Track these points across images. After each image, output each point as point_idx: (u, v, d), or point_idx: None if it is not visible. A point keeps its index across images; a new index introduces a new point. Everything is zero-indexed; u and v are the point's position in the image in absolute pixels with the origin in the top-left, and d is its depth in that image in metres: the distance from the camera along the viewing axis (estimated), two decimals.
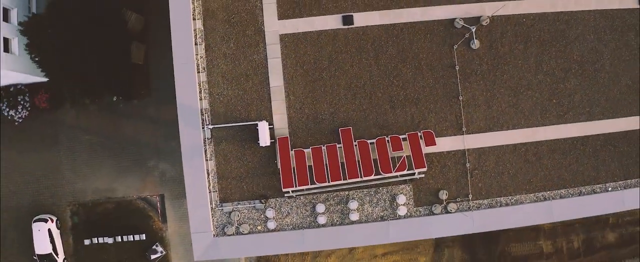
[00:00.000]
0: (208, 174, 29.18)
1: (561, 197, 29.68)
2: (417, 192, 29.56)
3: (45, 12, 37.08)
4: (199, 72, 29.35)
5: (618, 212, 42.47)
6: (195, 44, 29.26)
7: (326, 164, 28.28)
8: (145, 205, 40.36)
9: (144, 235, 39.81)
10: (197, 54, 29.29)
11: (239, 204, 29.36)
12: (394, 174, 28.30)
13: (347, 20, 29.65)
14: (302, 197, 29.37)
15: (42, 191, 40.90)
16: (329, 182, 28.14)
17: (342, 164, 28.31)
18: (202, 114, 29.33)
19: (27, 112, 40.12)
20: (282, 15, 29.78)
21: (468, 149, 29.71)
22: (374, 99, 29.78)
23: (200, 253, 28.81)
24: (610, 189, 29.71)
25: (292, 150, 28.75)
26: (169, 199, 40.26)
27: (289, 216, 29.23)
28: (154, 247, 39.62)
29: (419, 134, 28.91)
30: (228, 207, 29.19)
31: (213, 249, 28.90)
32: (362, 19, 29.92)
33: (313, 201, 29.48)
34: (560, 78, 29.94)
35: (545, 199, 29.45)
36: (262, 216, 29.26)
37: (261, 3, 29.78)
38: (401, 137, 28.86)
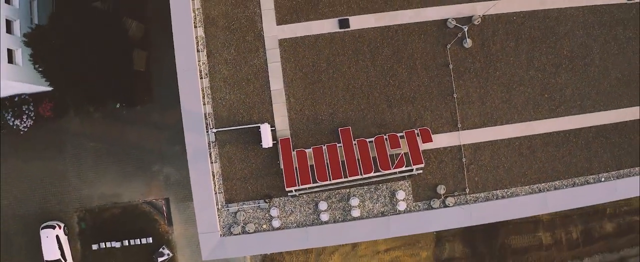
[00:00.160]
0: (213, 176, 30.21)
1: (555, 188, 30.64)
2: (415, 188, 30.55)
3: (48, 23, 38.17)
4: (201, 78, 30.38)
5: (615, 203, 43.73)
6: (197, 51, 30.33)
7: (327, 163, 29.25)
8: (151, 209, 41.61)
9: (150, 238, 41.09)
10: (199, 61, 30.36)
11: (244, 204, 30.41)
12: (392, 170, 29.28)
13: (344, 23, 30.72)
14: (304, 196, 30.37)
15: (49, 198, 42.18)
16: (330, 180, 29.11)
17: (343, 162, 29.30)
18: (206, 119, 30.38)
19: (32, 121, 41.38)
20: (280, 21, 30.80)
21: (464, 145, 30.70)
22: (372, 99, 30.75)
23: (208, 253, 29.82)
24: (603, 179, 30.69)
25: (293, 150, 29.68)
26: (174, 203, 41.49)
27: (292, 214, 30.26)
28: (161, 250, 40.87)
29: (416, 131, 29.89)
30: (234, 207, 30.25)
31: (220, 249, 29.95)
32: (357, 22, 30.89)
33: (315, 199, 30.42)
34: (551, 73, 30.97)
35: (540, 191, 30.50)
36: (267, 215, 30.33)
37: (260, 9, 30.78)
38: (399, 135, 29.82)
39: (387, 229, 29.75)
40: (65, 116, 41.84)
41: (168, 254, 40.67)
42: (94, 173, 41.87)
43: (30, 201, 42.09)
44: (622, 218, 44.32)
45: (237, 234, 30.07)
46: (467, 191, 30.42)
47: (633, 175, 30.93)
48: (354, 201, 30.08)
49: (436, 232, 42.87)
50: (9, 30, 38.20)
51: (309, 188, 29.84)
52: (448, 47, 30.98)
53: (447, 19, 30.89)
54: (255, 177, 30.54)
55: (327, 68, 30.93)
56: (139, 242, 40.90)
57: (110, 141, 41.71)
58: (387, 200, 30.50)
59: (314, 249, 42.15)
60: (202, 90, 30.45)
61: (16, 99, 41.10)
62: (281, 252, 41.91)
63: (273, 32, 30.88)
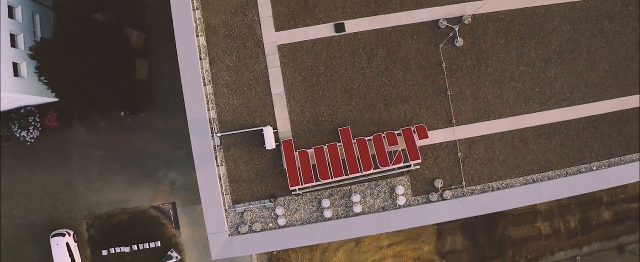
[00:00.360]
0: (220, 179, 31.58)
1: (549, 178, 32.02)
2: (414, 183, 31.85)
3: (53, 36, 39.61)
4: (205, 84, 31.76)
5: (612, 191, 45.24)
6: (200, 59, 31.69)
7: (328, 162, 30.59)
8: (158, 213, 43.07)
9: (158, 242, 42.58)
10: (202, 68, 31.68)
11: (250, 204, 31.74)
12: (391, 167, 30.61)
13: (339, 27, 32.17)
14: (308, 194, 31.73)
15: (58, 206, 43.59)
16: (332, 178, 30.42)
17: (343, 161, 30.68)
18: (210, 124, 31.72)
19: (38, 132, 42.74)
20: (278, 27, 32.23)
21: (459, 140, 32.12)
22: (369, 99, 32.06)
23: (217, 252, 31.24)
24: (594, 168, 32.13)
25: (296, 151, 31.02)
26: (181, 206, 42.96)
27: (297, 212, 31.65)
28: (169, 253, 42.40)
29: (412, 128, 31.27)
30: (240, 207, 31.63)
31: (229, 248, 31.36)
32: (352, 26, 32.36)
33: (318, 196, 31.79)
34: (541, 68, 32.45)
35: (533, 182, 31.92)
36: (273, 213, 31.69)
37: (258, 17, 32.19)
38: (396, 132, 31.28)
39: (388, 223, 31.13)
40: (70, 126, 43.26)
41: (176, 257, 42.19)
42: (101, 181, 43.28)
43: (39, 210, 43.53)
44: (619, 206, 45.77)
45: (244, 234, 31.48)
46: (464, 183, 31.78)
47: (624, 163, 32.26)
48: (356, 198, 31.40)
49: (437, 226, 44.28)
50: (13, 44, 39.56)
51: (312, 186, 31.07)
52: (440, 46, 32.32)
53: (439, 19, 32.33)
54: (260, 178, 31.80)
55: (325, 71, 32.20)
56: (148, 246, 42.32)
57: (115, 148, 43.14)
58: (387, 195, 31.73)
59: (319, 247, 43.46)
60: (206, 97, 31.80)
61: (22, 110, 42.39)
62: (287, 251, 43.30)
63: (272, 38, 32.21)
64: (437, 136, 32.05)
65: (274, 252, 43.60)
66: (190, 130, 31.32)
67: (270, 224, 31.61)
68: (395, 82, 32.29)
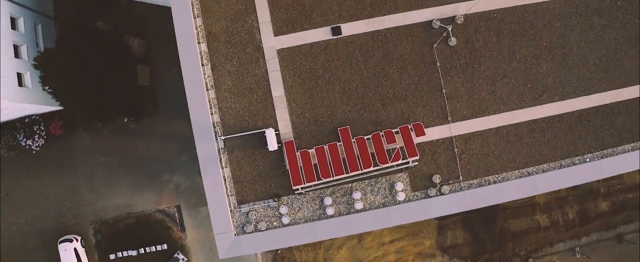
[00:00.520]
0: (225, 180, 32.57)
1: (543, 171, 33.10)
2: (412, 179, 32.88)
3: (56, 46, 40.82)
4: (207, 90, 32.72)
5: (609, 182, 46.77)
6: (202, 65, 32.67)
7: (329, 161, 31.57)
8: (164, 217, 44.51)
9: (165, 245, 44.00)
10: (204, 74, 32.67)
11: (255, 204, 32.73)
12: (390, 164, 31.61)
13: (336, 31, 33.13)
14: (310, 193, 32.69)
15: (65, 213, 44.96)
16: (333, 176, 31.38)
17: (344, 159, 31.65)
18: (214, 127, 32.60)
19: (44, 141, 43.98)
20: (277, 32, 33.16)
21: (455, 136, 33.11)
22: (367, 99, 33.08)
23: (224, 252, 32.29)
24: (588, 159, 33.27)
25: (297, 151, 31.97)
26: (186, 209, 44.38)
27: (300, 211, 32.70)
28: (176, 255, 43.82)
29: (410, 126, 32.21)
30: (245, 208, 32.66)
31: (235, 247, 32.41)
32: (349, 29, 33.29)
33: (321, 195, 32.76)
34: (533, 64, 33.57)
35: (529, 174, 33.03)
36: (277, 212, 32.68)
37: (257, 23, 33.12)
38: (394, 131, 32.19)
39: (389, 218, 32.23)
40: (75, 133, 44.60)
41: (183, 259, 43.62)
42: (107, 186, 44.69)
43: (46, 218, 44.90)
44: (616, 196, 47.22)
45: (250, 233, 32.47)
46: (461, 178, 32.85)
47: (616, 154, 33.42)
48: (357, 195, 32.37)
49: (437, 221, 45.64)
50: (17, 54, 40.70)
51: (314, 185, 31.98)
52: (434, 46, 33.31)
53: (432, 20, 33.22)
54: (264, 179, 32.77)
55: (324, 73, 33.17)
56: (155, 249, 43.84)
57: (120, 154, 44.55)
58: (387, 192, 32.75)
59: (323, 245, 44.70)
60: (209, 102, 32.64)
61: (27, 120, 43.62)
62: (291, 250, 44.55)
63: (271, 43, 33.13)
64: (433, 133, 33.05)
65: (279, 252, 44.92)
66: (195, 134, 32.28)
67: (275, 223, 32.66)
68: (391, 82, 33.20)
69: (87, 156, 44.70)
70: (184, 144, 43.14)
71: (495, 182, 32.99)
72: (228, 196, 32.67)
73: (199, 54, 32.76)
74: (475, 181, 33.00)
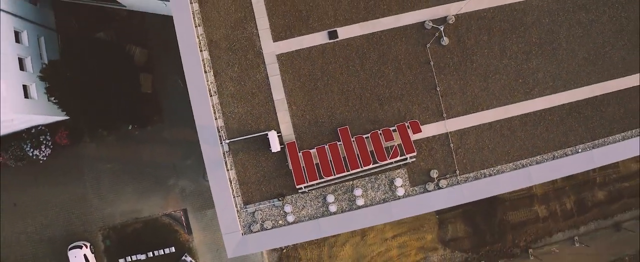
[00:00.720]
0: (230, 182, 33.54)
1: (537, 162, 34.16)
2: (411, 174, 33.93)
3: (60, 58, 42.76)
4: (211, 95, 33.73)
5: (604, 171, 48.47)
6: (205, 72, 33.73)
7: (330, 160, 32.52)
8: (171, 220, 46.19)
9: (173, 248, 45.72)
10: (207, 81, 33.75)
11: (260, 204, 33.74)
12: (389, 161, 32.59)
13: (332, 35, 34.25)
14: (313, 191, 33.73)
15: (73, 220, 46.69)
16: (335, 175, 32.38)
17: (344, 158, 32.68)
18: (218, 132, 33.56)
19: (50, 150, 45.81)
20: (276, 38, 34.30)
21: (450, 132, 34.23)
22: (364, 99, 34.17)
23: (232, 251, 33.25)
24: (580, 150, 34.43)
25: (300, 152, 32.93)
26: (192, 212, 46.06)
27: (304, 209, 33.75)
28: (184, 257, 45.48)
29: (406, 124, 33.19)
30: (251, 208, 33.65)
31: (243, 246, 33.35)
32: (345, 32, 34.42)
33: (323, 193, 33.77)
34: (523, 60, 34.71)
35: (523, 166, 34.07)
36: (282, 211, 33.72)
37: (257, 29, 34.26)
38: (391, 129, 33.25)
39: (389, 213, 33.28)
40: (81, 142, 46.38)
41: (191, 261, 45.32)
42: (114, 193, 46.36)
43: (55, 225, 46.59)
44: (612, 186, 48.84)
45: (256, 232, 33.45)
46: (458, 172, 33.98)
47: (607, 144, 34.61)
48: (358, 192, 33.43)
49: (438, 215, 47.09)
50: (21, 67, 42.39)
51: (317, 184, 33.07)
52: (428, 46, 34.47)
53: (424, 21, 34.32)
54: (268, 179, 33.82)
55: (322, 76, 34.27)
56: (163, 253, 45.50)
57: (125, 161, 46.26)
58: (387, 188, 33.86)
59: (327, 243, 46.04)
60: (213, 107, 33.67)
61: (33, 130, 45.33)
62: (296, 249, 45.94)
63: (271, 48, 34.24)
64: (430, 130, 34.09)
65: (284, 251, 46.49)
66: (200, 138, 33.34)
67: (280, 221, 33.78)
68: (387, 82, 34.31)
69: (94, 164, 46.34)
70: (188, 148, 44.80)
71: (490, 175, 34.08)
72: (234, 197, 33.59)
73: (201, 62, 33.68)
74: (471, 175, 34.07)
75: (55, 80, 41.33)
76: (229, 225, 33.58)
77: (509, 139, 34.56)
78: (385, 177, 34.10)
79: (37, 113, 42.55)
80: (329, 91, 34.47)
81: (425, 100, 34.52)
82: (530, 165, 34.45)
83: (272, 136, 33.12)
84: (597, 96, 35.01)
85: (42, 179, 46.67)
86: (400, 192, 33.81)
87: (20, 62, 42.66)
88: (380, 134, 33.25)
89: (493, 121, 34.66)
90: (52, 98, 42.14)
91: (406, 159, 33.40)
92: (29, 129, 45.56)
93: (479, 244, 48.17)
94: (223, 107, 34.19)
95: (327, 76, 34.58)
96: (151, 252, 45.75)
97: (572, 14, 35.36)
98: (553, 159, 34.58)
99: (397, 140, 33.26)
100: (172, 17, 34.58)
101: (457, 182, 34.11)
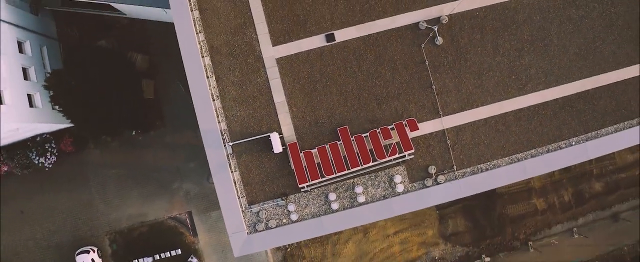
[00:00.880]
0: (235, 184, 34.39)
1: (532, 156, 34.95)
2: (410, 171, 34.82)
3: (63, 67, 43.83)
4: (213, 100, 34.68)
5: (601, 163, 49.45)
6: (207, 77, 34.69)
7: (331, 159, 33.37)
8: (176, 223, 47.31)
9: (179, 250, 46.84)
10: (210, 86, 34.71)
11: (264, 204, 34.62)
12: (388, 158, 33.44)
13: (330, 37, 35.20)
14: (315, 190, 34.58)
15: (80, 226, 47.78)
16: (336, 173, 33.18)
17: (344, 157, 33.52)
18: (222, 135, 34.50)
19: (56, 158, 46.85)
20: (275, 42, 35.26)
21: (447, 129, 35.09)
22: (362, 100, 35.05)
23: (239, 250, 34.08)
24: (573, 143, 35.17)
25: (301, 152, 33.81)
26: (197, 214, 47.12)
27: (307, 207, 34.64)
28: (190, 259, 46.69)
29: (404, 122, 34.05)
30: (256, 208, 34.51)
31: (249, 245, 34.22)
32: (342, 35, 35.40)
33: (325, 191, 34.63)
34: (516, 57, 35.52)
35: (518, 160, 34.88)
36: (285, 210, 34.57)
37: (256, 35, 35.28)
38: (389, 127, 34.10)
39: (390, 209, 34.20)
40: (85, 149, 47.45)
41: None
42: (119, 197, 47.46)
43: (62, 232, 47.64)
44: (609, 177, 49.70)
45: (261, 231, 34.30)
46: (455, 168, 34.87)
47: (600, 136, 35.38)
48: (359, 189, 34.34)
49: (438, 211, 48.01)
50: (25, 77, 43.50)
51: (319, 182, 33.85)
52: (422, 46, 35.36)
53: (419, 22, 35.20)
54: (271, 179, 34.73)
55: (321, 78, 35.20)
56: (169, 255, 46.61)
57: (130, 166, 47.33)
58: (387, 184, 34.74)
59: (330, 240, 46.93)
60: (216, 111, 34.61)
61: (38, 138, 46.43)
62: (300, 247, 46.93)
63: (270, 52, 35.17)
64: (426, 127, 35.04)
65: (288, 250, 47.56)
66: (204, 142, 34.26)
67: (284, 220, 34.61)
68: (384, 82, 35.22)
69: (98, 170, 47.51)
70: (191, 152, 45.94)
71: (487, 170, 34.85)
72: (239, 197, 34.45)
73: (203, 67, 34.67)
74: (468, 170, 34.93)
75: (60, 89, 42.31)
76: (234, 225, 34.43)
77: (504, 134, 35.33)
78: (385, 174, 34.98)
79: (42, 121, 43.69)
80: (328, 92, 35.36)
81: (422, 99, 35.37)
82: (525, 159, 35.25)
83: (274, 137, 33.97)
84: (588, 90, 35.81)
85: (48, 186, 47.70)
86: (400, 188, 34.69)
87: (24, 71, 43.70)
88: (379, 132, 34.09)
89: (488, 117, 35.48)
90: (57, 106, 43.11)
91: (404, 156, 34.26)
92: (34, 137, 46.65)
93: (479, 238, 49.06)
94: (226, 111, 35.10)
95: (325, 78, 35.48)
96: (158, 255, 46.80)
97: (563, 10, 36.23)
98: (547, 153, 35.27)
99: (395, 138, 34.08)
100: (172, 23, 35.59)
101: (455, 177, 34.98)
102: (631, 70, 36.27)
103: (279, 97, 35.39)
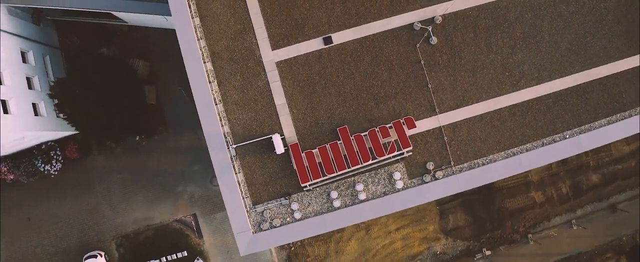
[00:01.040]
0: (239, 185, 35.23)
1: (527, 150, 35.81)
2: (408, 168, 35.68)
3: (67, 75, 44.85)
4: (216, 104, 35.44)
5: (597, 155, 50.13)
6: (209, 82, 35.49)
7: (332, 159, 34.07)
8: (181, 225, 48.25)
9: (185, 252, 47.69)
10: (212, 90, 35.49)
11: (268, 203, 35.39)
12: (387, 156, 34.23)
13: (327, 40, 36.01)
14: (317, 189, 35.38)
15: (87, 231, 48.55)
16: (337, 172, 33.95)
17: (345, 156, 34.35)
18: (225, 138, 35.27)
19: (61, 165, 47.59)
20: (274, 46, 36.11)
21: (443, 126, 35.94)
22: (361, 100, 35.85)
23: (245, 249, 34.99)
24: (567, 136, 35.98)
25: (303, 152, 34.55)
26: (201, 217, 47.96)
27: (310, 206, 35.44)
28: (196, 260, 47.63)
29: (402, 121, 34.82)
30: (260, 207, 35.31)
31: (254, 244, 35.03)
32: (339, 37, 36.18)
33: (327, 189, 35.41)
34: (509, 54, 36.30)
35: (514, 154, 35.73)
36: (289, 209, 35.36)
37: (256, 39, 36.09)
38: (387, 126, 34.88)
39: (390, 205, 35.08)
40: (90, 155, 48.33)
41: None
42: (125, 202, 48.27)
43: (70, 237, 48.45)
44: (605, 168, 50.44)
45: (266, 230, 35.16)
46: (452, 163, 35.72)
47: (593, 129, 36.23)
48: (359, 187, 35.17)
49: (439, 206, 48.81)
50: (30, 86, 44.57)
51: (320, 181, 34.64)
52: (417, 46, 36.17)
53: (413, 22, 36.01)
54: (274, 180, 35.53)
55: (320, 80, 35.99)
56: (176, 257, 47.62)
57: (134, 171, 48.21)
58: (387, 181, 35.58)
59: (333, 239, 47.77)
60: (219, 115, 35.40)
61: (43, 146, 47.27)
62: (304, 246, 47.96)
63: (270, 56, 36.00)
64: (424, 125, 35.82)
65: (293, 249, 48.37)
66: (208, 145, 35.00)
67: (288, 219, 35.39)
68: (382, 82, 36.01)
69: (104, 175, 48.36)
70: (194, 155, 46.82)
71: (483, 164, 35.72)
72: (243, 198, 35.26)
73: (205, 73, 35.52)
74: (465, 165, 35.77)
75: (64, 97, 43.26)
76: (240, 225, 35.17)
77: (499, 129, 36.05)
78: (385, 171, 35.86)
79: (47, 129, 44.64)
80: (327, 94, 36.21)
81: (418, 97, 36.21)
82: (520, 153, 35.99)
83: (276, 138, 34.82)
84: (581, 84, 36.66)
85: (54, 193, 48.45)
86: (399, 185, 35.55)
87: (28, 81, 44.73)
88: (378, 131, 34.88)
89: (483, 113, 36.37)
90: (62, 114, 44.05)
91: (403, 153, 35.11)
92: (39, 145, 47.40)
93: (479, 232, 49.81)
94: (228, 114, 35.93)
95: (324, 80, 36.33)
96: (164, 257, 47.72)
97: (553, 7, 36.88)
98: (542, 146, 36.01)
99: (393, 136, 34.92)
100: (171, 30, 36.32)
101: (452, 172, 35.82)
102: (622, 64, 37.03)
103: (279, 99, 36.20)
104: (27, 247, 49.00)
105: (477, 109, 36.62)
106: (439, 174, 35.94)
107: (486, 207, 49.87)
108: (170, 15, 37.22)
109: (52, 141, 48.00)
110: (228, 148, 35.75)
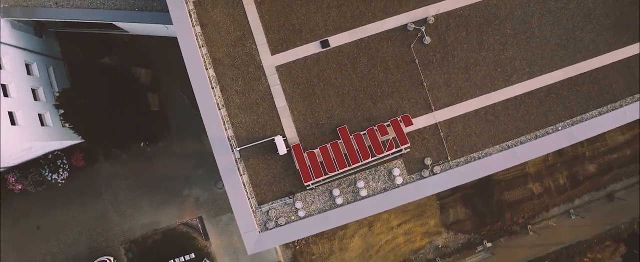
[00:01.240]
0: (244, 186, 36.05)
1: (521, 143, 36.69)
2: (407, 164, 36.56)
3: (71, 86, 46.07)
4: (219, 109, 36.31)
5: (593, 145, 51.19)
6: (212, 88, 36.33)
7: (333, 157, 34.88)
8: (188, 228, 49.43)
9: (192, 254, 48.69)
10: (215, 95, 36.37)
11: (273, 203, 36.29)
12: (386, 153, 35.12)
13: (324, 44, 36.97)
14: (320, 187, 36.21)
15: (95, 237, 49.41)
16: (338, 170, 34.78)
17: (345, 154, 35.17)
18: (229, 141, 36.16)
19: (68, 173, 48.68)
20: (273, 51, 37.09)
21: (439, 122, 36.88)
22: (359, 100, 36.72)
23: (251, 248, 35.88)
24: (560, 128, 36.87)
25: (304, 152, 35.36)
26: (207, 219, 49.04)
27: (313, 204, 36.29)
28: None
29: (399, 119, 35.70)
30: (265, 207, 36.18)
31: (260, 243, 35.91)
32: (335, 40, 37.23)
33: (329, 187, 36.27)
34: (500, 50, 37.23)
35: (509, 147, 36.60)
36: (293, 208, 36.24)
37: (255, 45, 37.07)
38: (385, 124, 35.73)
39: (390, 200, 35.99)
40: (96, 163, 49.40)
41: None
42: (132, 207, 49.29)
43: (78, 244, 49.40)
44: (601, 158, 51.58)
45: (272, 228, 36.03)
46: (449, 158, 36.63)
47: (585, 120, 37.09)
48: (360, 184, 35.96)
49: (439, 201, 50.06)
50: (35, 97, 45.87)
51: (323, 180, 35.59)
52: (412, 46, 37.09)
53: (407, 23, 36.94)
54: (278, 180, 36.38)
55: (319, 82, 36.89)
56: (183, 259, 48.68)
57: (140, 177, 49.30)
58: (387, 178, 36.46)
59: (337, 236, 48.95)
60: (222, 119, 36.27)
61: (50, 156, 48.43)
62: (308, 244, 49.31)
63: (270, 61, 36.88)
64: (420, 122, 36.72)
65: (297, 247, 49.57)
66: (213, 149, 35.95)
67: (293, 217, 36.32)
68: (378, 82, 36.93)
69: (110, 182, 49.39)
70: (198, 159, 47.91)
71: (479, 158, 36.67)
72: (249, 198, 36.15)
73: (208, 79, 36.49)
74: (462, 159, 36.72)
75: (70, 107, 44.45)
76: (246, 224, 36.15)
77: (493, 123, 37.02)
78: (384, 168, 36.83)
79: (53, 139, 45.79)
80: (326, 95, 37.14)
81: (414, 96, 37.13)
82: (515, 146, 36.93)
83: (278, 140, 35.65)
84: (571, 77, 37.63)
85: (61, 201, 49.30)
86: (399, 180, 36.52)
87: (34, 92, 46.00)
88: (376, 129, 35.80)
89: (478, 109, 37.35)
90: (68, 124, 45.22)
91: (401, 150, 36.06)
92: (46, 155, 48.43)
93: (479, 225, 50.77)
94: (231, 118, 36.91)
95: (323, 82, 37.29)
96: (172, 260, 48.67)
97: (542, 3, 37.84)
98: (536, 138, 36.96)
99: (391, 134, 35.87)
100: (172, 38, 37.21)
101: (450, 167, 36.86)
102: (611, 56, 38.06)
103: (280, 102, 37.16)
104: (36, 256, 49.68)
105: (471, 105, 37.57)
106: (436, 169, 36.82)
107: (485, 200, 50.79)
108: (171, 24, 38.37)
109: (58, 150, 48.90)
110: (232, 151, 36.61)
